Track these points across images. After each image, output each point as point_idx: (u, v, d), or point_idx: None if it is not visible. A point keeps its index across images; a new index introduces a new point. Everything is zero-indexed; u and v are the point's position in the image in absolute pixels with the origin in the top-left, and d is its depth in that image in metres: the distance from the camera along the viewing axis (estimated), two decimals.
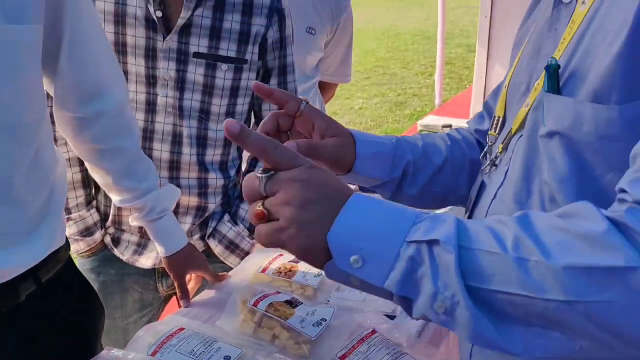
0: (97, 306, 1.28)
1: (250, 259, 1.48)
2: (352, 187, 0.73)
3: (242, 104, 1.45)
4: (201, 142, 1.43)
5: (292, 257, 1.37)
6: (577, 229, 0.51)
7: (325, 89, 2.04)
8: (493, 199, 0.76)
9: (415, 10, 16.58)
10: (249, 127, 1.51)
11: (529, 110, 0.72)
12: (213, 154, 1.46)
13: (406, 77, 8.64)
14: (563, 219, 0.53)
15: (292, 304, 1.20)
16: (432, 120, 2.46)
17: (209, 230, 1.51)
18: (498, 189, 0.75)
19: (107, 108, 1.19)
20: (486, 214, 0.77)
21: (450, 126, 2.18)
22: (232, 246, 1.52)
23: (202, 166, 1.45)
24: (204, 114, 1.41)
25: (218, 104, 1.41)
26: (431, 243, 0.53)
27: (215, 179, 1.48)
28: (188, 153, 1.42)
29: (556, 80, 0.65)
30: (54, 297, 1.17)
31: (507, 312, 0.53)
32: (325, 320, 1.17)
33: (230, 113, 1.44)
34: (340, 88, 1.85)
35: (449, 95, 7.12)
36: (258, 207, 0.59)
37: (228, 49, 1.37)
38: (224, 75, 1.38)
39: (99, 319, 1.27)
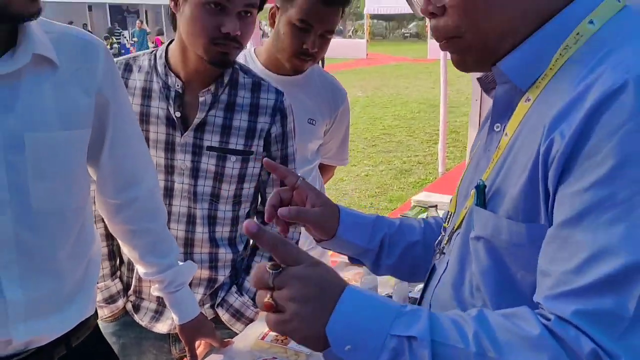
0: None
1: (253, 326, 1.67)
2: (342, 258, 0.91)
3: (248, 188, 1.67)
4: (212, 221, 1.64)
5: None
6: (520, 332, 0.68)
7: (325, 170, 2.28)
8: (437, 282, 0.96)
9: (423, 78, 17.10)
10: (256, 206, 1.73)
11: (466, 213, 0.92)
12: (222, 231, 1.66)
13: (412, 144, 8.92)
14: (509, 321, 0.70)
15: None
16: (425, 196, 2.68)
17: (218, 299, 1.70)
18: (442, 274, 0.95)
19: (139, 195, 1.41)
20: (432, 295, 0.96)
21: (435, 206, 2.40)
22: (237, 314, 1.70)
23: (214, 242, 1.66)
24: (215, 198, 1.62)
25: (227, 189, 1.63)
26: (410, 338, 0.69)
27: (224, 254, 1.68)
28: (201, 231, 1.63)
29: (483, 197, 0.86)
30: (83, 356, 1.36)
31: None
32: None
33: (237, 196, 1.65)
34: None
35: (452, 164, 7.36)
36: (267, 298, 0.73)
37: (237, 143, 1.60)
38: (232, 165, 1.61)
39: None
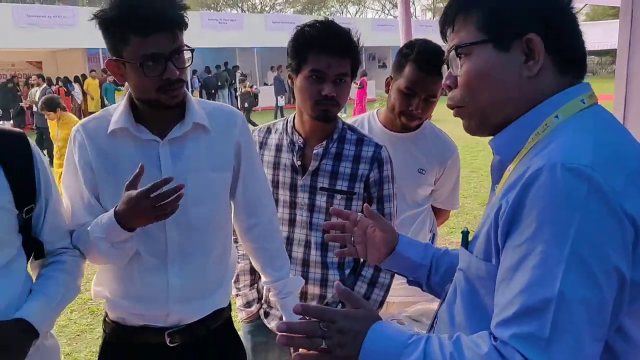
0: (241, 353, 1.95)
1: None
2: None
3: None
4: (324, 247, 2.06)
5: None
6: (477, 350, 0.96)
7: (439, 213, 2.57)
8: (444, 301, 1.25)
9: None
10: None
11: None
12: (332, 257, 2.07)
13: None
14: (472, 341, 0.99)
15: None
16: None
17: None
18: (446, 295, 1.23)
19: (260, 221, 1.90)
20: (439, 310, 1.26)
21: None
22: None
23: (325, 265, 2.07)
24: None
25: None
26: None
27: (333, 275, 2.07)
28: (315, 255, 2.06)
29: (466, 240, 1.16)
30: (215, 341, 1.86)
31: None
32: None
33: None
34: None
35: None
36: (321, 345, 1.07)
37: (342, 185, 2.02)
38: (339, 202, 2.02)
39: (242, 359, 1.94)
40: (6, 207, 1.49)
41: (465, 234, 1.18)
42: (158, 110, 1.65)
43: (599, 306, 0.91)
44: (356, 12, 56.21)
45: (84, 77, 20.64)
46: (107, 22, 1.54)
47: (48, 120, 8.21)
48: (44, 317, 1.51)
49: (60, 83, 18.67)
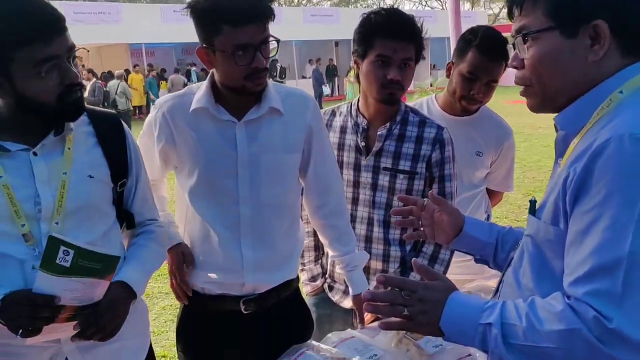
0: (309, 321, 2.07)
1: None
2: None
3: None
4: (386, 225, 2.16)
5: None
6: (551, 309, 1.06)
7: (493, 195, 2.65)
8: (509, 266, 1.34)
9: None
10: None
11: None
12: (394, 234, 2.16)
13: None
14: (546, 302, 1.08)
15: None
16: None
17: None
18: (512, 261, 1.33)
19: (330, 200, 2.01)
20: (504, 275, 1.35)
21: None
22: None
23: (387, 241, 2.17)
24: (388, 206, 2.14)
25: (397, 200, 2.13)
26: (489, 325, 1.09)
27: (395, 251, 2.17)
28: (377, 232, 2.16)
29: (533, 208, 1.24)
30: (288, 309, 1.98)
31: (516, 348, 1.08)
32: (442, 345, 1.76)
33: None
34: None
35: None
36: (404, 312, 1.20)
37: (405, 165, 2.11)
38: (401, 182, 2.12)
39: (308, 327, 2.06)
40: (105, 181, 1.63)
41: (532, 202, 1.26)
42: (240, 94, 1.77)
43: None
44: (394, 4, 55.97)
45: (127, 72, 21.13)
46: (200, 12, 1.66)
47: None
48: (140, 281, 1.65)
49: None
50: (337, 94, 25.28)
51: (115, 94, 15.54)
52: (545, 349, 1.06)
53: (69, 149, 1.56)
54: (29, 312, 1.41)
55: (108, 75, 19.84)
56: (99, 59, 23.56)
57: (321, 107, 2.19)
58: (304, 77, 25.37)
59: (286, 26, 24.53)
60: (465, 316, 1.15)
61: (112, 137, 1.68)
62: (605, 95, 1.14)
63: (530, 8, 1.20)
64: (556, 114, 1.24)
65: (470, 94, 2.29)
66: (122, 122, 1.74)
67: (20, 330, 1.42)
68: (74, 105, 1.52)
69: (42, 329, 1.43)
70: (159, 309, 4.69)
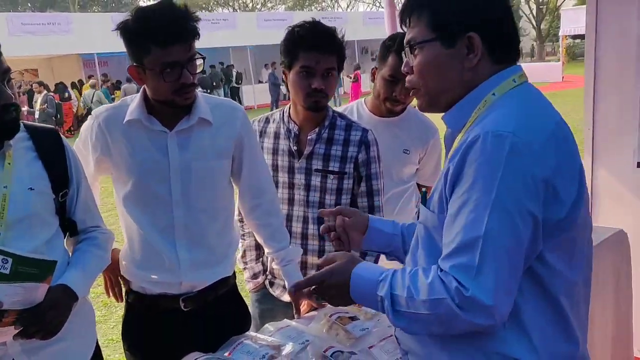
0: (246, 316, 2.21)
1: None
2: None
3: (345, 198, 2.31)
4: (320, 221, 2.31)
5: None
6: (425, 280, 1.23)
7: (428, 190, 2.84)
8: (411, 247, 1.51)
9: None
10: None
11: None
12: None
13: None
14: (424, 274, 1.26)
15: (352, 318, 1.98)
16: None
17: None
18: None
19: (262, 202, 2.16)
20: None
21: None
22: None
23: (322, 237, 2.32)
24: (321, 205, 2.30)
25: (329, 199, 2.29)
26: (381, 296, 1.29)
27: (329, 246, 2.33)
28: (312, 228, 2.31)
29: (425, 199, 1.42)
30: (225, 304, 2.12)
31: (402, 315, 1.26)
32: (368, 328, 1.92)
33: (338, 204, 2.30)
34: None
35: None
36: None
37: (334, 166, 2.27)
38: (332, 182, 2.28)
39: (246, 321, 2.20)
40: (46, 192, 1.74)
41: (424, 193, 1.45)
42: (170, 107, 1.90)
43: (517, 241, 1.18)
44: (347, 6, 56.43)
45: (81, 82, 20.87)
46: (129, 34, 1.79)
47: None
48: (82, 284, 1.76)
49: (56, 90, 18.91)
50: None
51: (91, 102, 15.40)
52: (421, 315, 1.24)
53: (8, 163, 1.66)
54: None
55: (62, 87, 19.59)
56: (49, 70, 23.20)
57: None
58: (260, 82, 25.44)
59: (241, 31, 24.63)
60: (366, 289, 1.34)
61: (52, 150, 1.79)
62: (482, 97, 1.33)
63: (415, 22, 1.38)
64: (444, 114, 1.42)
65: (393, 95, 2.48)
66: (61, 135, 1.85)
67: None
68: (10, 124, 1.62)
69: None
70: (118, 317, 4.77)
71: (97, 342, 1.96)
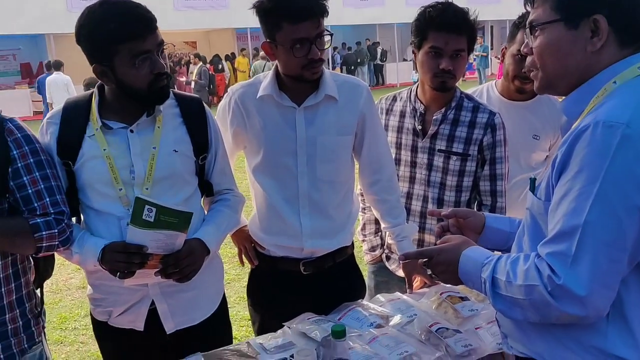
0: (361, 285, 2.31)
1: None
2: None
3: (467, 181, 2.32)
4: (440, 202, 2.34)
5: None
6: (522, 266, 1.27)
7: None
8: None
9: None
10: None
11: None
12: (447, 209, 2.34)
13: None
14: (524, 260, 1.28)
15: (462, 298, 2.01)
16: None
17: None
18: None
19: (381, 177, 2.23)
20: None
21: None
22: None
23: (440, 218, 2.35)
24: (442, 186, 2.32)
25: (451, 180, 2.31)
26: (484, 278, 1.35)
27: None
28: (431, 208, 2.35)
29: (533, 186, 1.41)
30: (342, 272, 2.23)
31: (501, 298, 1.31)
32: (477, 309, 1.94)
33: (459, 186, 2.31)
34: None
35: None
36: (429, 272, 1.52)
37: (458, 147, 2.28)
38: (454, 163, 2.29)
39: (360, 290, 2.30)
40: (188, 155, 1.94)
41: (532, 180, 1.44)
42: (299, 82, 2.02)
43: (618, 235, 1.16)
44: None
45: (233, 55, 22.04)
46: (263, 11, 1.93)
47: None
48: (214, 240, 1.95)
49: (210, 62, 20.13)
50: None
51: (262, 71, 16.37)
52: (517, 299, 1.27)
53: (158, 127, 1.88)
54: (124, 258, 1.76)
55: (216, 59, 20.84)
56: (207, 43, 24.71)
57: None
58: (405, 60, 25.24)
59: (389, 9, 24.52)
60: (472, 270, 1.40)
61: (195, 118, 1.98)
62: (601, 85, 1.29)
63: (540, 2, 1.36)
64: (561, 102, 1.40)
65: (522, 72, 2.40)
66: (204, 104, 2.05)
67: (118, 273, 1.77)
68: (161, 91, 1.83)
69: (135, 272, 1.77)
70: None
71: (224, 295, 2.16)
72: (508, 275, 1.28)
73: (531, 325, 1.37)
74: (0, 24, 17.62)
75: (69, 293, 5.13)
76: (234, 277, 5.22)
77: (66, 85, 12.03)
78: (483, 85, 2.71)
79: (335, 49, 23.85)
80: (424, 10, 2.22)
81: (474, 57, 22.61)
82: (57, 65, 12.68)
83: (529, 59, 1.43)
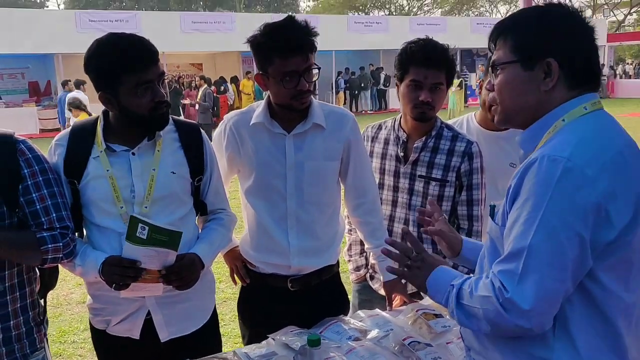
0: (345, 302, 2.45)
1: None
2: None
3: (446, 205, 2.47)
4: (420, 225, 2.49)
5: None
6: (484, 281, 1.41)
7: None
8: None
9: None
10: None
11: None
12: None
13: None
14: (485, 277, 1.43)
15: (436, 315, 2.15)
16: None
17: None
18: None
19: (365, 201, 2.39)
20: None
21: None
22: None
23: (420, 239, 2.48)
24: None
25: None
26: (452, 286, 1.48)
27: (428, 248, 2.45)
28: (412, 230, 2.49)
29: (493, 213, 1.57)
30: (327, 289, 2.38)
31: (462, 307, 1.45)
32: (449, 326, 2.09)
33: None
34: None
35: None
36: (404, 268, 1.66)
37: (437, 173, 2.45)
38: (434, 188, 2.46)
39: (344, 307, 2.45)
40: (185, 177, 2.11)
41: (492, 207, 1.60)
42: (289, 111, 2.19)
43: (560, 257, 1.31)
44: (507, 12, 54.57)
45: (236, 78, 22.38)
46: (257, 46, 2.12)
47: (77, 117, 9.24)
48: (208, 255, 2.11)
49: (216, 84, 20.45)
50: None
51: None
52: (474, 309, 1.43)
53: (158, 150, 2.05)
54: (120, 272, 1.92)
55: (220, 81, 21.15)
56: (212, 65, 25.07)
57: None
58: None
59: (393, 35, 24.87)
60: (443, 280, 1.55)
61: (192, 142, 2.15)
62: (552, 122, 1.46)
63: (501, 44, 1.53)
64: (517, 138, 1.56)
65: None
66: (201, 130, 2.22)
67: (114, 285, 1.93)
68: (161, 118, 2.00)
69: (129, 284, 1.93)
70: None
71: (215, 308, 2.31)
72: (471, 287, 1.44)
73: (489, 339, 1.52)
74: (11, 43, 18.00)
75: (69, 308, 5.26)
76: (230, 295, 5.35)
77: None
78: (463, 116, 2.88)
79: (339, 73, 24.20)
80: (406, 45, 2.40)
81: (477, 83, 22.92)
82: (77, 84, 13.28)
83: (490, 94, 1.60)
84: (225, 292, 5.38)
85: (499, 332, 1.43)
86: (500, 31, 1.54)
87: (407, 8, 50.89)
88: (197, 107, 15.48)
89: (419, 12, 49.82)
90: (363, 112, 23.61)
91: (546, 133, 1.45)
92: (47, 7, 50.43)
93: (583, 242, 1.32)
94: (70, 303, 5.34)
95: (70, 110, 9.62)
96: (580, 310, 1.39)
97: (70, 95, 12.89)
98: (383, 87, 24.76)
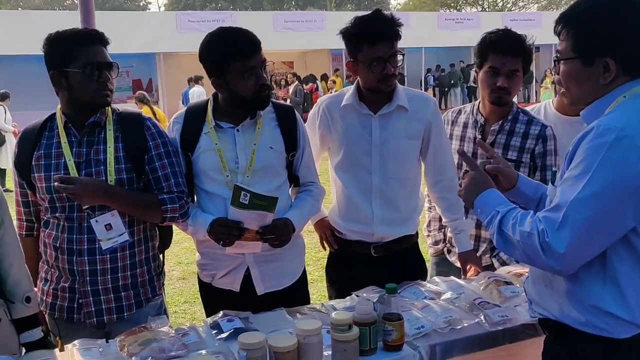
0: (422, 270, 2.68)
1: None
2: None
3: None
4: None
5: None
6: (529, 219, 1.61)
7: None
8: None
9: None
10: None
11: None
12: None
13: None
14: (531, 216, 1.63)
15: (507, 282, 2.33)
16: None
17: (495, 252, 2.71)
18: None
19: (443, 178, 2.61)
20: None
21: None
22: (504, 264, 2.66)
23: None
24: None
25: None
26: (497, 212, 1.70)
27: None
28: None
29: (554, 178, 1.75)
30: (406, 257, 2.61)
31: (502, 233, 1.67)
32: (517, 292, 2.26)
33: None
34: None
35: None
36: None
37: (512, 155, 2.62)
38: None
39: (421, 274, 2.67)
40: (280, 151, 2.40)
41: (553, 172, 1.78)
42: (376, 94, 2.44)
43: (600, 215, 1.50)
44: None
45: (326, 76, 22.81)
46: (349, 36, 2.39)
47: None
48: (299, 221, 2.40)
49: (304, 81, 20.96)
50: (533, 100, 24.48)
51: None
52: (514, 240, 1.63)
53: (258, 128, 2.36)
54: (226, 231, 2.24)
55: (309, 77, 21.64)
56: (303, 63, 25.66)
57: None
58: None
59: (484, 31, 24.39)
60: (490, 202, 1.76)
61: (288, 122, 2.44)
62: (614, 98, 1.62)
63: (564, 36, 1.70)
64: (583, 111, 1.73)
65: None
66: (296, 112, 2.51)
67: (221, 242, 2.25)
68: (263, 99, 2.31)
69: (234, 242, 2.25)
70: None
71: (304, 269, 2.59)
72: (516, 219, 1.64)
73: (548, 290, 1.70)
74: (118, 44, 19.11)
75: (171, 282, 5.75)
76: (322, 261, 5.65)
77: (200, 95, 14.31)
78: (541, 103, 3.02)
79: (429, 70, 24.11)
80: (485, 35, 2.59)
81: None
82: (197, 79, 15.17)
83: (557, 76, 1.77)
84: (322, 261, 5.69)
85: (530, 264, 1.65)
86: (564, 23, 1.68)
87: (500, 4, 49.63)
88: (288, 101, 16.08)
89: (513, 8, 48.44)
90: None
91: (609, 108, 1.61)
92: (149, 9, 53.24)
93: (624, 204, 1.48)
94: (172, 279, 5.83)
95: (136, 103, 10.71)
96: (627, 261, 1.57)
97: (192, 90, 15.04)
98: (473, 85, 24.34)
